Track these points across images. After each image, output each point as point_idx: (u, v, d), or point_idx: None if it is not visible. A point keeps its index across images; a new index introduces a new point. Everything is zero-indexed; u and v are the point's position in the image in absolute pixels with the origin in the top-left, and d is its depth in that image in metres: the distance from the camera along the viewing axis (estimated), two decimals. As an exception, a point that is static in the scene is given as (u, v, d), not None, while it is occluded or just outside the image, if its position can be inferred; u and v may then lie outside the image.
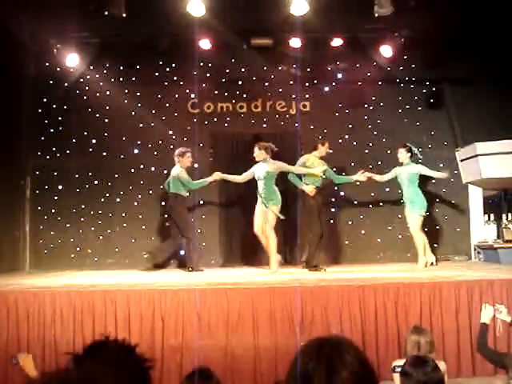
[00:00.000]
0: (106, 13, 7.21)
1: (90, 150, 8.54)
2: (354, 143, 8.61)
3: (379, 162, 8.35)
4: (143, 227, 8.40)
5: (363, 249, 8.37)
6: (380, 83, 8.62)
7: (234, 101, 8.62)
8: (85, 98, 8.54)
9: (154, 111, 8.50)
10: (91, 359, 1.25)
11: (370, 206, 8.46)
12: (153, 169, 8.46)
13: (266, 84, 8.64)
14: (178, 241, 7.39)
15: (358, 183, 8.02)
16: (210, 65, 8.48)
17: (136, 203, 8.43)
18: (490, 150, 7.48)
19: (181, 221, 7.31)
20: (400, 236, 8.37)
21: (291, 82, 8.42)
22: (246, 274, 6.93)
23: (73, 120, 8.49)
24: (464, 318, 5.03)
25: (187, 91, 8.55)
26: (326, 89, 8.76)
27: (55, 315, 4.97)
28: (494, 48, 7.75)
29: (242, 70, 8.60)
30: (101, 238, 8.41)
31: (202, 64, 8.21)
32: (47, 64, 8.26)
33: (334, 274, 6.66)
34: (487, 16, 7.39)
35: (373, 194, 8.45)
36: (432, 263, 7.37)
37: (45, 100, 8.48)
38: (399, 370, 2.79)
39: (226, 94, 8.65)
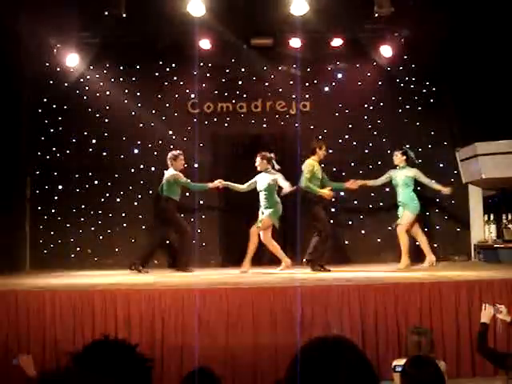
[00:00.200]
0: (106, 13, 7.21)
1: (90, 150, 8.54)
2: (354, 143, 8.61)
3: (379, 162, 8.34)
4: (143, 227, 8.40)
5: (363, 249, 8.37)
6: (380, 83, 8.62)
7: (233, 101, 8.62)
8: (85, 98, 8.54)
9: (153, 111, 8.50)
10: (91, 359, 1.25)
11: (370, 206, 8.46)
12: (153, 169, 8.46)
13: (266, 84, 8.64)
14: (161, 241, 7.47)
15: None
16: (209, 65, 8.48)
17: (136, 203, 8.43)
18: (489, 149, 7.48)
19: (173, 223, 7.35)
20: (400, 236, 8.36)
21: (291, 82, 8.42)
22: (245, 274, 6.93)
23: (73, 120, 8.49)
24: (464, 318, 5.03)
25: (187, 91, 8.55)
26: (326, 89, 8.76)
27: (55, 315, 4.97)
28: (494, 48, 7.74)
29: (242, 70, 8.60)
30: (101, 237, 8.41)
31: (202, 64, 8.22)
32: (47, 64, 8.26)
33: (334, 273, 6.66)
34: (487, 16, 7.38)
35: (373, 194, 8.44)
36: (433, 264, 7.37)
37: (45, 100, 8.49)
38: (399, 369, 2.79)
39: (225, 94, 8.65)
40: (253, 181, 7.43)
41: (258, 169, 7.32)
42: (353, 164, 8.34)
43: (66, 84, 8.36)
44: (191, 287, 5.27)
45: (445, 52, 8.10)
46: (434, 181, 7.51)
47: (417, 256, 7.81)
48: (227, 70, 8.64)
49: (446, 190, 7.43)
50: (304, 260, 7.10)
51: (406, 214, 7.32)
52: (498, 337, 4.74)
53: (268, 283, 5.51)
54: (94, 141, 8.54)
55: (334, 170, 7.81)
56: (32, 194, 8.48)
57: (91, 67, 8.44)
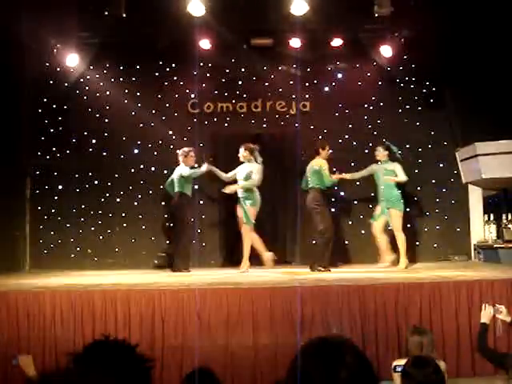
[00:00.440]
0: (106, 13, 7.21)
1: (90, 149, 8.54)
2: (354, 143, 8.61)
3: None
4: (143, 227, 8.40)
5: (363, 249, 8.36)
6: (380, 83, 8.62)
7: (233, 101, 8.62)
8: (85, 98, 8.54)
9: (154, 111, 8.49)
10: (91, 359, 1.25)
11: (370, 206, 8.45)
12: (153, 169, 8.46)
13: (266, 84, 8.64)
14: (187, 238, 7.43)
15: (358, 183, 8.03)
16: (209, 65, 8.48)
17: (136, 203, 8.43)
18: (489, 150, 7.48)
19: (183, 220, 7.32)
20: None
21: (291, 82, 8.42)
22: (245, 274, 6.93)
23: (73, 120, 8.49)
24: (464, 318, 5.03)
25: (187, 91, 8.55)
26: (326, 89, 8.75)
27: (55, 315, 4.97)
28: (494, 48, 7.74)
29: (242, 70, 8.60)
30: (101, 237, 8.41)
31: (202, 64, 8.22)
32: (47, 64, 8.25)
33: (334, 273, 6.66)
34: (487, 16, 7.38)
35: (373, 194, 8.43)
36: (393, 263, 7.31)
37: (45, 100, 8.48)
38: (399, 369, 2.79)
39: (225, 94, 8.65)
40: (235, 171, 7.46)
41: (241, 159, 7.33)
42: (353, 164, 8.33)
43: (66, 84, 8.36)
44: (191, 287, 5.26)
45: (445, 52, 8.09)
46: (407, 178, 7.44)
47: (412, 255, 7.80)
48: (227, 70, 8.64)
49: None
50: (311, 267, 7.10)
51: (394, 213, 7.25)
52: (497, 337, 4.74)
53: (268, 283, 5.51)
54: (94, 141, 8.54)
55: (334, 169, 7.78)
56: (32, 194, 8.48)
57: (91, 67, 8.44)
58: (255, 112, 8.61)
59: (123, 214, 8.44)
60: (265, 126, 8.62)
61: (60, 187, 8.45)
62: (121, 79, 8.53)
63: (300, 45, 8.13)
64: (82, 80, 8.46)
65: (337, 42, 8.24)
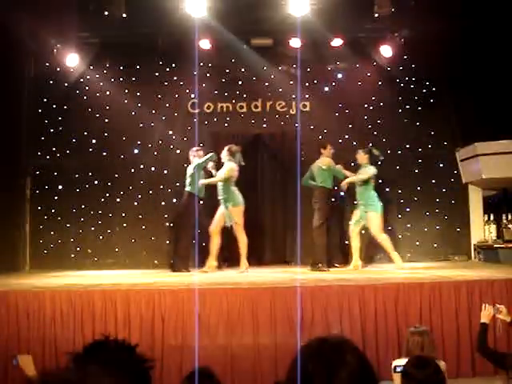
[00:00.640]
0: (106, 13, 7.21)
1: (90, 149, 8.54)
2: (354, 143, 8.60)
3: (379, 163, 8.33)
4: (143, 227, 8.39)
5: (363, 249, 8.35)
6: (380, 83, 8.62)
7: (233, 101, 8.62)
8: (85, 98, 8.53)
9: (153, 111, 8.50)
10: (91, 359, 1.25)
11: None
12: (153, 169, 8.46)
13: (266, 84, 8.64)
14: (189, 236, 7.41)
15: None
16: (209, 65, 8.47)
17: (136, 203, 8.43)
18: (490, 149, 7.49)
19: (184, 218, 7.25)
20: (400, 236, 8.37)
21: (291, 82, 8.41)
22: (245, 273, 6.92)
23: (73, 120, 8.49)
24: (464, 318, 5.03)
25: (187, 91, 8.54)
26: (326, 89, 8.76)
27: (55, 315, 4.97)
28: (494, 48, 7.75)
29: (242, 70, 8.60)
30: (101, 237, 8.41)
31: (202, 64, 8.21)
32: (47, 64, 8.26)
33: (334, 274, 6.66)
34: (487, 16, 7.39)
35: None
36: (357, 268, 7.26)
37: (45, 100, 8.48)
38: (399, 369, 2.79)
39: (225, 94, 8.65)
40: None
41: (222, 160, 7.30)
42: (353, 164, 8.32)
43: (66, 84, 8.36)
44: (191, 287, 5.26)
45: (445, 52, 8.09)
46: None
47: (412, 255, 7.79)
48: (227, 70, 8.64)
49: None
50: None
51: (373, 215, 7.21)
52: (497, 337, 4.74)
53: (268, 283, 5.51)
54: (94, 141, 8.54)
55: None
56: (32, 194, 8.48)
57: (91, 67, 8.44)
58: (255, 112, 8.61)
59: (123, 214, 8.44)
60: (265, 126, 8.62)
61: (60, 187, 8.45)
62: (121, 79, 8.52)
63: (300, 45, 8.13)
64: (81, 80, 8.46)
65: (337, 41, 8.24)
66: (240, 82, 8.65)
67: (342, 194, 8.52)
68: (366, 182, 7.36)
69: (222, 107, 8.61)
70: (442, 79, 8.46)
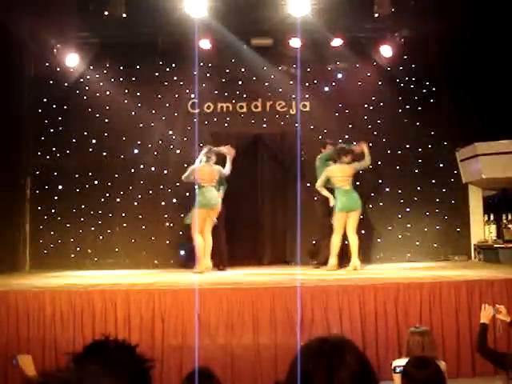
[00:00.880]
0: (106, 13, 7.21)
1: (90, 149, 8.53)
2: (354, 143, 8.60)
3: (379, 162, 8.34)
4: (143, 227, 8.39)
5: (363, 249, 8.35)
6: (380, 83, 8.62)
7: (233, 101, 8.62)
8: (85, 98, 8.53)
9: (153, 111, 8.50)
10: (91, 359, 1.25)
11: (370, 205, 8.45)
12: (153, 169, 8.45)
13: (266, 84, 8.63)
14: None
15: (357, 183, 8.01)
16: (209, 65, 8.47)
17: (136, 203, 8.42)
18: (490, 149, 7.48)
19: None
20: (400, 236, 8.37)
21: (291, 82, 8.41)
22: (246, 274, 6.93)
23: (73, 120, 8.48)
24: (464, 318, 5.04)
25: (187, 91, 8.54)
26: (326, 89, 8.76)
27: (55, 315, 4.97)
28: (494, 48, 7.75)
29: (242, 70, 8.59)
30: (101, 237, 8.41)
31: (202, 64, 8.20)
32: (47, 64, 8.26)
33: (334, 274, 6.66)
34: (487, 16, 7.38)
35: (373, 194, 8.45)
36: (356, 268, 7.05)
37: (45, 100, 8.48)
38: (399, 370, 2.79)
39: (225, 94, 8.64)
40: None
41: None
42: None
43: (66, 84, 8.36)
44: (191, 287, 5.26)
45: (445, 52, 8.09)
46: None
47: (412, 255, 7.79)
48: (227, 70, 8.64)
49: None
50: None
51: (356, 215, 7.03)
52: (497, 337, 4.74)
53: (268, 283, 5.51)
54: (94, 141, 8.54)
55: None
56: (32, 194, 8.48)
57: (91, 67, 8.44)
58: (255, 112, 8.61)
59: (123, 214, 8.43)
60: (265, 126, 8.62)
61: (60, 187, 8.45)
62: (121, 79, 8.52)
63: (300, 45, 8.13)
64: (82, 80, 8.46)
65: (337, 41, 8.23)
66: (240, 82, 8.65)
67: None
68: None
69: (221, 107, 8.61)
70: (442, 79, 8.46)
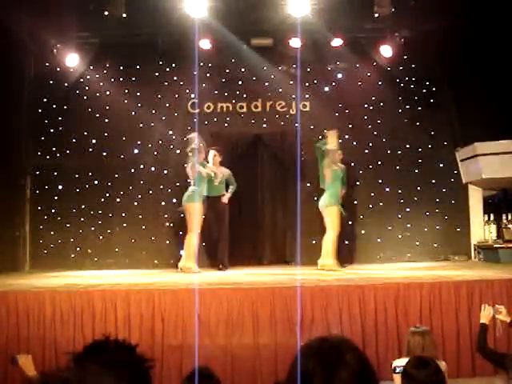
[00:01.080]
0: (106, 13, 7.21)
1: (90, 150, 8.54)
2: (354, 143, 8.61)
3: (379, 162, 8.35)
4: (143, 227, 8.39)
5: (363, 249, 8.36)
6: (380, 83, 8.62)
7: (234, 101, 8.62)
8: (85, 98, 8.54)
9: (153, 111, 8.50)
10: (91, 359, 1.25)
11: (370, 205, 8.46)
12: (153, 169, 8.46)
13: (266, 84, 8.63)
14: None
15: (357, 183, 8.03)
16: (209, 65, 8.47)
17: (136, 203, 8.42)
18: (490, 149, 7.48)
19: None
20: (400, 236, 8.37)
21: (291, 82, 8.41)
22: (246, 274, 6.93)
23: (73, 120, 8.49)
24: (464, 318, 5.03)
25: (187, 91, 8.54)
26: (326, 89, 8.76)
27: (55, 315, 4.97)
28: (494, 48, 7.74)
29: (242, 70, 8.59)
30: (101, 237, 8.41)
31: (202, 64, 8.21)
32: (47, 64, 8.26)
33: (335, 274, 6.66)
34: (487, 15, 7.39)
35: (372, 194, 8.45)
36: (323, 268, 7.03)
37: (45, 100, 8.49)
38: (399, 370, 2.79)
39: (225, 94, 8.65)
40: None
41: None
42: (353, 164, 8.33)
43: (65, 84, 8.36)
44: (191, 287, 5.26)
45: (445, 52, 8.09)
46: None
47: (412, 255, 7.78)
48: (227, 70, 8.64)
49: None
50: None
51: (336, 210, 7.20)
52: (497, 337, 4.73)
53: (268, 283, 5.50)
54: (94, 141, 8.54)
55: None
56: (32, 193, 8.48)
57: (91, 67, 8.44)
58: (255, 112, 8.61)
59: (123, 214, 8.44)
60: (265, 126, 8.62)
61: (60, 187, 8.45)
62: (121, 79, 8.52)
63: (300, 45, 8.13)
64: (82, 80, 8.46)
65: (337, 41, 8.24)
66: (240, 82, 8.65)
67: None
68: None
69: (221, 107, 8.61)
70: (442, 79, 8.46)
